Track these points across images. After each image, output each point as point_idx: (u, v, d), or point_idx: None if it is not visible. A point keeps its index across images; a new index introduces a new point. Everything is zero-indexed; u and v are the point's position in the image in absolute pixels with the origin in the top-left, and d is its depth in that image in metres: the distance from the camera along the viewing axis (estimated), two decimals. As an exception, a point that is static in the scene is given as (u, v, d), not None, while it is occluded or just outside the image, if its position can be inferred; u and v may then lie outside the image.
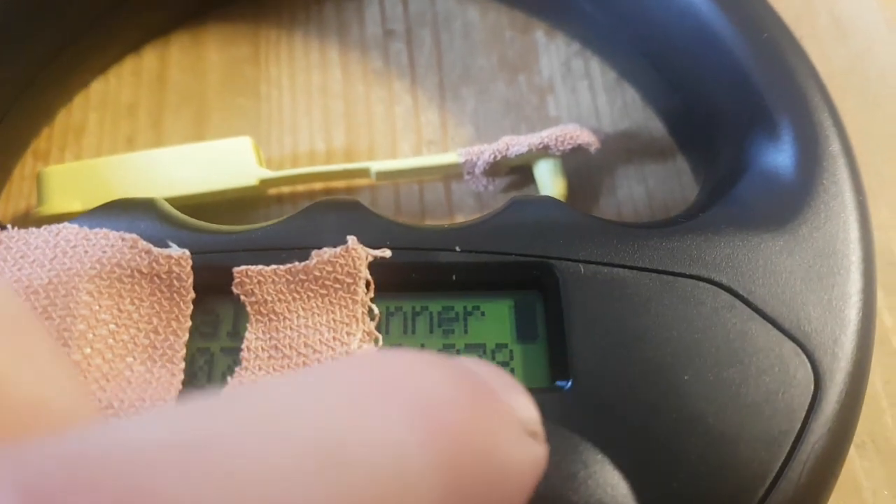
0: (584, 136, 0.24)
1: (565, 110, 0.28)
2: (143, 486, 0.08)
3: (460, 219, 0.26)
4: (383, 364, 0.11)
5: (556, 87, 0.29)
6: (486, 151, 0.24)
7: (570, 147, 0.24)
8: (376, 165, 0.24)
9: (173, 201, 0.22)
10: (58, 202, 0.23)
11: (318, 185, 0.26)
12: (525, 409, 0.12)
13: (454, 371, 0.12)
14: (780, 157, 0.21)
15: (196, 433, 0.09)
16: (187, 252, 0.18)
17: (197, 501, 0.08)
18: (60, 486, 0.08)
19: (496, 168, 0.25)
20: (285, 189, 0.26)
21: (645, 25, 0.25)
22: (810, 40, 0.31)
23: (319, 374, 0.11)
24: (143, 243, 0.18)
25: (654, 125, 0.27)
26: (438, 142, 0.27)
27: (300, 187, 0.26)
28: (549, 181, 0.24)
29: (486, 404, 0.11)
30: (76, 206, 0.23)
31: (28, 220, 0.25)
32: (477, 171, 0.25)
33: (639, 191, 0.26)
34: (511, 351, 0.19)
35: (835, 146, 0.21)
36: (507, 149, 0.24)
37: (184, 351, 0.18)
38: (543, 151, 0.24)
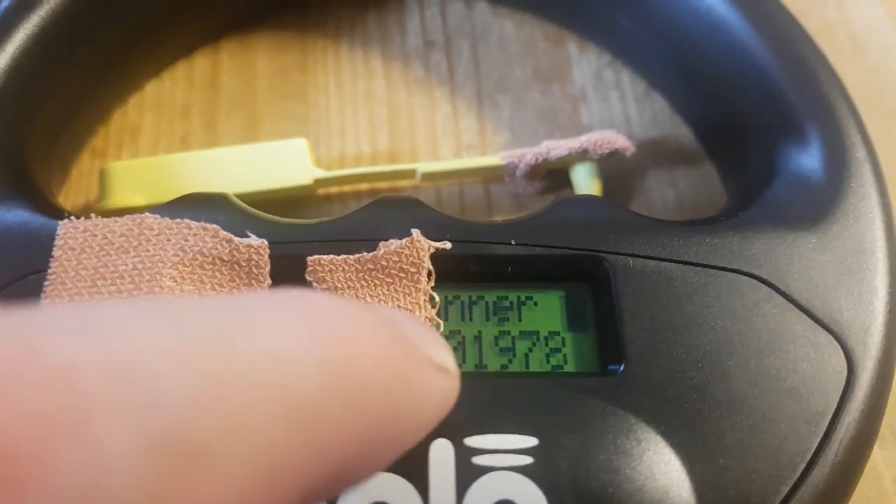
0: (621, 142, 0.26)
1: (597, 118, 0.30)
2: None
3: (499, 218, 0.27)
4: (293, 296, 0.12)
5: (589, 96, 0.30)
6: (527, 154, 0.26)
7: (607, 151, 0.25)
8: (423, 167, 0.26)
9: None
10: (121, 197, 0.25)
11: (363, 186, 0.27)
12: (434, 346, 0.14)
13: (362, 307, 0.13)
14: (810, 161, 0.22)
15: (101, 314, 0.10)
16: (265, 241, 0.19)
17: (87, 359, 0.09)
18: None
19: (536, 171, 0.26)
20: (333, 189, 0.27)
21: (676, 39, 0.27)
22: (827, 55, 0.32)
23: (239, 297, 0.12)
24: (223, 233, 0.19)
25: (682, 133, 0.29)
26: (477, 146, 0.29)
27: (347, 187, 0.27)
28: (586, 183, 0.26)
29: (387, 334, 0.13)
30: (139, 201, 0.25)
31: (88, 213, 0.26)
32: (518, 173, 0.26)
33: (669, 194, 0.28)
34: (563, 338, 0.20)
35: (861, 152, 0.22)
36: (548, 152, 0.26)
37: None
38: (581, 155, 0.26)
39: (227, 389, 0.10)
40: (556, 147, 0.26)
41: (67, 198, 0.27)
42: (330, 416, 0.11)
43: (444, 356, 0.14)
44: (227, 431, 0.10)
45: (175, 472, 0.09)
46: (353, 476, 0.13)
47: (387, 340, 0.13)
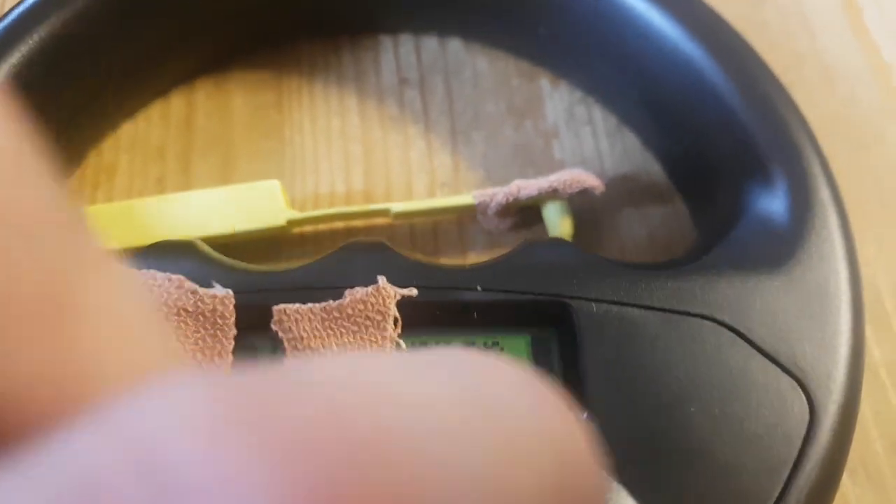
0: (590, 180, 0.26)
1: (570, 154, 0.30)
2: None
3: (473, 255, 0.28)
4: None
5: (561, 132, 0.30)
6: (498, 194, 0.26)
7: (576, 190, 0.26)
8: (396, 206, 0.26)
9: (205, 241, 0.23)
10: (94, 241, 0.25)
11: (339, 224, 0.28)
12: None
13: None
14: (774, 203, 0.22)
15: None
16: (230, 292, 0.20)
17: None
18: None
19: (507, 209, 0.26)
20: (307, 228, 0.27)
21: (644, 77, 0.27)
22: (799, 87, 0.32)
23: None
24: (188, 283, 0.20)
25: (653, 168, 0.29)
26: (451, 183, 0.29)
27: (322, 226, 0.27)
28: (557, 221, 0.26)
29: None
30: (113, 245, 0.25)
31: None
32: (490, 211, 0.26)
33: (640, 231, 0.28)
34: (529, 384, 0.20)
35: (825, 193, 0.22)
36: (518, 191, 0.26)
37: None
38: (552, 194, 0.26)
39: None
40: (527, 186, 0.26)
41: (42, 239, 0.27)
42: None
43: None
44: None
45: None
46: None
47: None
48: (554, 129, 0.30)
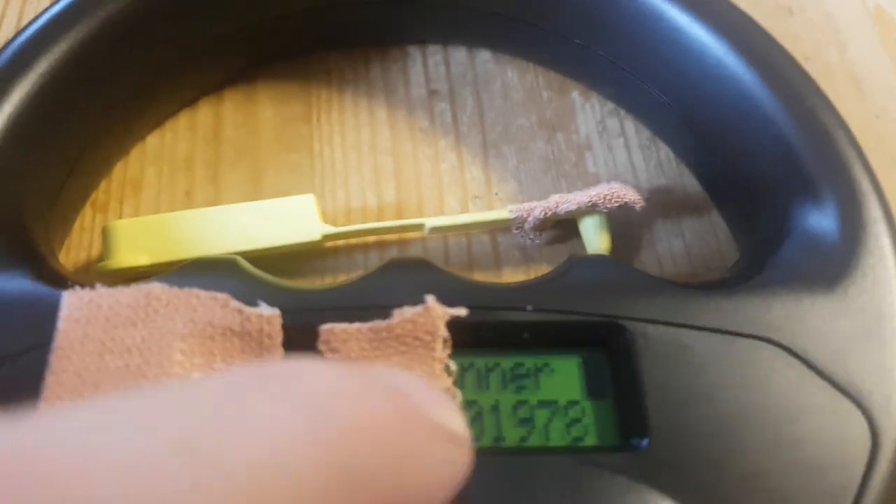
0: (630, 195, 0.25)
1: (603, 167, 0.29)
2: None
3: (507, 269, 0.27)
4: (283, 375, 0.12)
5: (594, 145, 0.30)
6: (536, 208, 0.26)
7: (616, 205, 0.25)
8: (431, 221, 0.25)
9: (240, 255, 0.22)
10: (124, 256, 0.24)
11: (371, 239, 0.27)
12: (446, 415, 0.13)
13: (362, 379, 0.13)
14: (825, 221, 0.22)
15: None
16: (277, 311, 0.19)
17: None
18: None
19: (544, 223, 0.26)
20: (340, 242, 0.27)
21: (683, 91, 0.27)
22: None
23: (218, 383, 0.12)
24: (234, 302, 0.19)
25: (688, 182, 0.29)
26: (483, 197, 0.29)
27: (354, 240, 0.27)
28: (595, 236, 0.26)
29: (391, 407, 0.12)
30: (143, 260, 0.24)
31: (90, 271, 0.26)
32: (527, 226, 0.26)
33: (677, 244, 0.28)
34: (583, 407, 0.20)
35: (876, 211, 0.22)
36: (557, 206, 0.25)
37: None
38: (591, 208, 0.25)
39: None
40: (566, 201, 0.25)
41: (69, 254, 0.26)
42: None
43: (457, 424, 0.14)
44: None
45: None
46: None
47: (390, 415, 0.12)
48: (586, 141, 0.30)
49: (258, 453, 0.10)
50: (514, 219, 0.26)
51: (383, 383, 0.13)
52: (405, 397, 0.13)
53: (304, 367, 0.12)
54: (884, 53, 0.34)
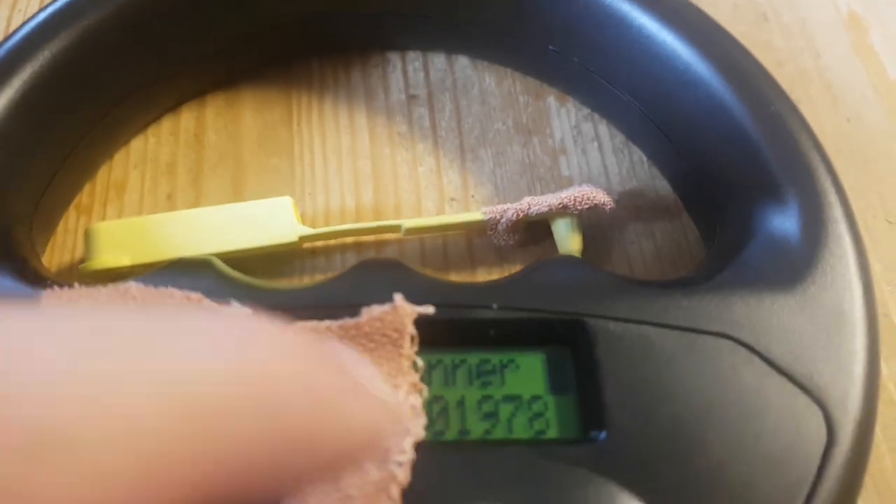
0: (600, 197, 0.26)
1: (577, 170, 0.30)
2: None
3: (482, 270, 0.28)
4: (223, 318, 0.14)
5: (568, 149, 0.30)
6: (509, 210, 0.26)
7: (587, 206, 0.26)
8: (407, 222, 0.26)
9: (217, 257, 0.23)
10: (106, 257, 0.25)
11: (349, 240, 0.28)
12: (370, 378, 0.16)
13: (296, 337, 0.15)
14: (787, 222, 0.23)
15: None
16: (249, 310, 0.20)
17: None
18: None
19: (517, 225, 0.27)
20: (318, 243, 0.27)
21: (654, 96, 0.27)
22: (804, 105, 0.33)
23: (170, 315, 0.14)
24: (207, 301, 0.19)
25: (660, 184, 0.29)
26: (460, 199, 0.29)
27: (332, 241, 0.27)
28: (567, 237, 0.26)
29: (315, 359, 0.14)
30: (125, 261, 0.25)
31: (73, 272, 0.26)
32: (500, 227, 0.26)
33: (648, 246, 0.28)
34: (545, 402, 0.20)
35: (837, 212, 0.22)
36: (529, 208, 0.26)
37: None
38: (562, 210, 0.26)
39: (104, 385, 0.11)
40: (537, 203, 0.26)
41: (53, 256, 0.27)
42: (229, 423, 0.12)
43: (384, 392, 0.16)
44: (95, 423, 0.10)
45: (31, 461, 0.10)
46: (274, 486, 0.13)
47: (312, 366, 0.14)
48: (561, 145, 0.30)
49: (173, 359, 0.12)
50: (488, 220, 0.26)
51: (320, 345, 0.14)
52: (337, 359, 0.14)
53: (245, 319, 0.14)
54: (857, 59, 0.34)
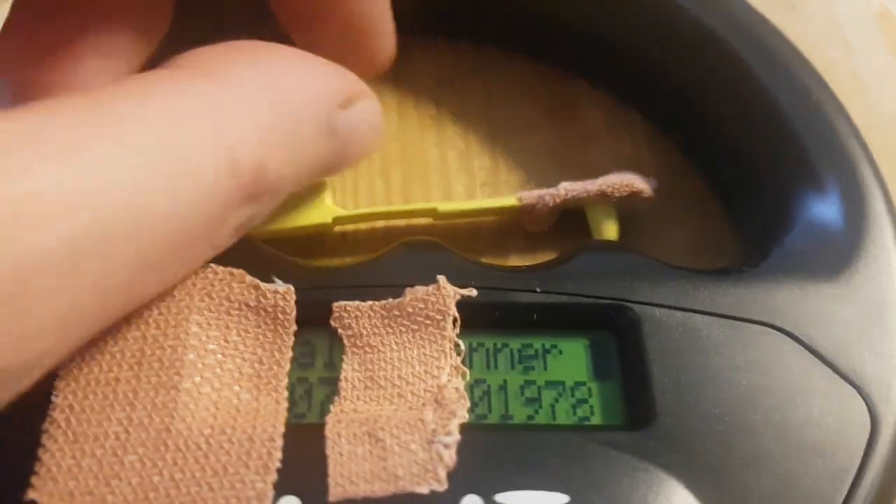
0: (639, 184, 0.26)
1: (608, 157, 0.30)
2: None
3: (514, 256, 0.27)
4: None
5: (600, 136, 0.30)
6: (545, 195, 0.26)
7: (625, 193, 0.25)
8: (442, 206, 0.26)
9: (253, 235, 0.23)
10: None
11: (379, 224, 0.27)
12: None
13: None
14: (828, 211, 0.22)
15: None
16: (291, 287, 0.19)
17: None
18: None
19: (552, 211, 0.26)
20: (349, 226, 0.27)
21: (689, 84, 0.27)
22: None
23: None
24: (250, 278, 0.19)
25: (693, 173, 0.29)
26: (490, 184, 0.29)
27: (362, 225, 0.27)
28: (603, 224, 0.26)
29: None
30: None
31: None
32: (536, 213, 0.26)
33: (682, 235, 0.28)
34: (589, 388, 0.20)
35: (879, 203, 0.22)
36: (566, 193, 0.26)
37: (286, 380, 0.19)
38: (599, 197, 0.26)
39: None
40: (574, 189, 0.26)
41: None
42: None
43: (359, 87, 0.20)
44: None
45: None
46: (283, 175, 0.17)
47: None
48: (593, 132, 0.30)
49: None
50: (523, 205, 0.26)
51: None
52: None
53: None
54: (884, 48, 0.34)
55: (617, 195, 0.25)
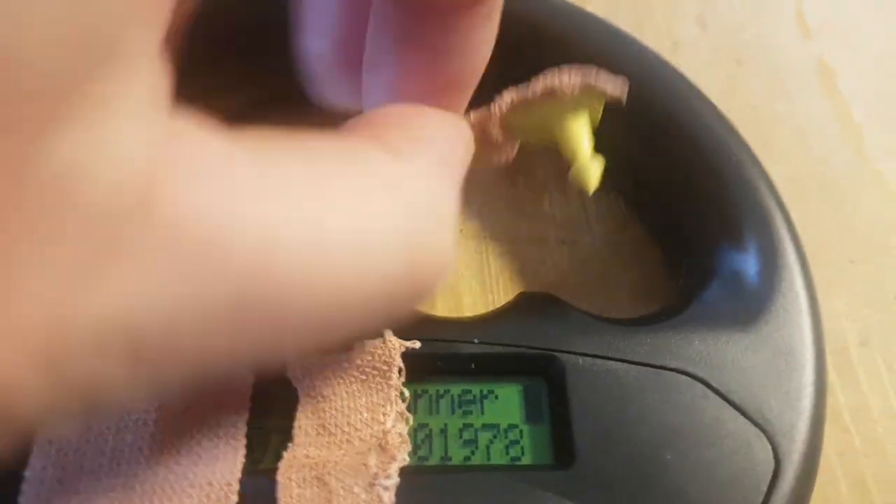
0: (602, 82, 0.20)
1: (558, 209, 0.32)
2: None
3: (468, 303, 0.29)
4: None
5: (550, 189, 0.32)
6: (492, 107, 0.21)
7: (583, 91, 0.20)
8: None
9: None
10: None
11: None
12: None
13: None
14: (745, 264, 0.25)
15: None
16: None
17: None
18: None
19: (507, 127, 0.21)
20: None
21: (628, 150, 0.29)
22: (775, 146, 0.35)
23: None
24: None
25: (637, 225, 0.31)
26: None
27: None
28: (577, 141, 0.22)
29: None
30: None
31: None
32: (488, 133, 0.21)
33: (624, 280, 0.30)
34: (521, 431, 0.22)
35: (791, 256, 0.25)
36: (511, 99, 0.21)
37: (245, 429, 0.21)
38: (549, 97, 0.20)
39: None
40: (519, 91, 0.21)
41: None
42: None
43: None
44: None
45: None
46: None
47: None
48: (543, 185, 0.32)
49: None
50: (473, 125, 0.21)
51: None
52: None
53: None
54: (826, 104, 0.36)
55: (572, 94, 0.20)
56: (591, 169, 0.22)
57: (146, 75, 0.10)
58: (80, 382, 0.10)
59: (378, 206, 0.14)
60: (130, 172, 0.10)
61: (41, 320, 0.09)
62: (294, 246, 0.12)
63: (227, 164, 0.12)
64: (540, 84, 0.21)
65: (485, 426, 0.22)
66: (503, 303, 0.26)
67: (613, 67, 0.27)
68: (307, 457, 0.20)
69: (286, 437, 0.21)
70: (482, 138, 0.21)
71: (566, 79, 0.20)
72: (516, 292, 0.26)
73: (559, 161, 0.33)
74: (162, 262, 0.10)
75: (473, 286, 0.30)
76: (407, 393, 0.22)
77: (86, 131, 0.09)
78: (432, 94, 0.18)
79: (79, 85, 0.09)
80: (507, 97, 0.21)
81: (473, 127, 0.21)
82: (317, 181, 0.13)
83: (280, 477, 0.20)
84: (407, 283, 0.14)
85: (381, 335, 0.22)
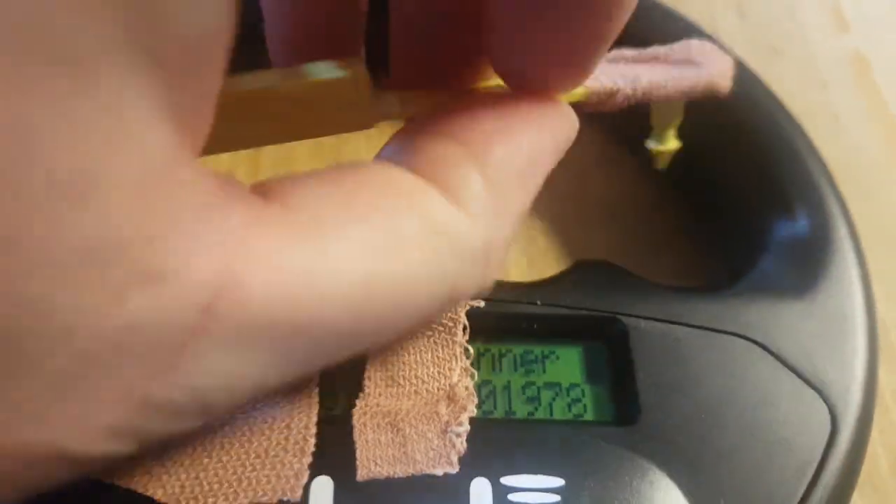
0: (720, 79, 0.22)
1: (603, 191, 0.32)
2: None
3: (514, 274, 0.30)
4: None
5: (591, 171, 0.33)
6: (619, 86, 0.21)
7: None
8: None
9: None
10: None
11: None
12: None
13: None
14: (797, 236, 0.25)
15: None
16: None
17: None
18: None
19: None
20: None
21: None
22: (811, 134, 0.36)
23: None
24: None
25: (676, 203, 0.32)
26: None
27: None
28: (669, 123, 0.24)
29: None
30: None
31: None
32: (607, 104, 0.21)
33: (665, 259, 0.31)
34: (582, 390, 0.23)
35: (842, 229, 0.25)
36: (642, 91, 0.21)
37: (318, 379, 0.21)
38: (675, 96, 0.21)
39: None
40: (654, 86, 0.21)
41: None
42: None
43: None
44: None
45: None
46: None
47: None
48: (584, 166, 0.33)
49: None
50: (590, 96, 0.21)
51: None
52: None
53: None
54: (860, 93, 0.37)
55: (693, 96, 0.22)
56: (670, 148, 0.24)
57: None
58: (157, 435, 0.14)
59: (424, 255, 0.15)
60: (209, 271, 0.12)
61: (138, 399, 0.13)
62: (344, 303, 0.13)
63: (285, 240, 0.13)
64: (700, 83, 0.22)
65: (547, 384, 0.23)
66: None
67: (658, 41, 0.28)
68: (378, 405, 0.21)
69: (356, 388, 0.22)
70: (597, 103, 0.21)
71: (723, 82, 0.23)
72: (562, 267, 0.27)
73: (600, 141, 0.34)
74: (262, 343, 0.13)
75: (521, 262, 0.30)
76: (471, 350, 0.22)
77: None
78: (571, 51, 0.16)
79: None
80: (645, 78, 0.21)
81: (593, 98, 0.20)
82: (363, 232, 0.14)
83: (356, 422, 0.20)
84: (448, 303, 0.16)
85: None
